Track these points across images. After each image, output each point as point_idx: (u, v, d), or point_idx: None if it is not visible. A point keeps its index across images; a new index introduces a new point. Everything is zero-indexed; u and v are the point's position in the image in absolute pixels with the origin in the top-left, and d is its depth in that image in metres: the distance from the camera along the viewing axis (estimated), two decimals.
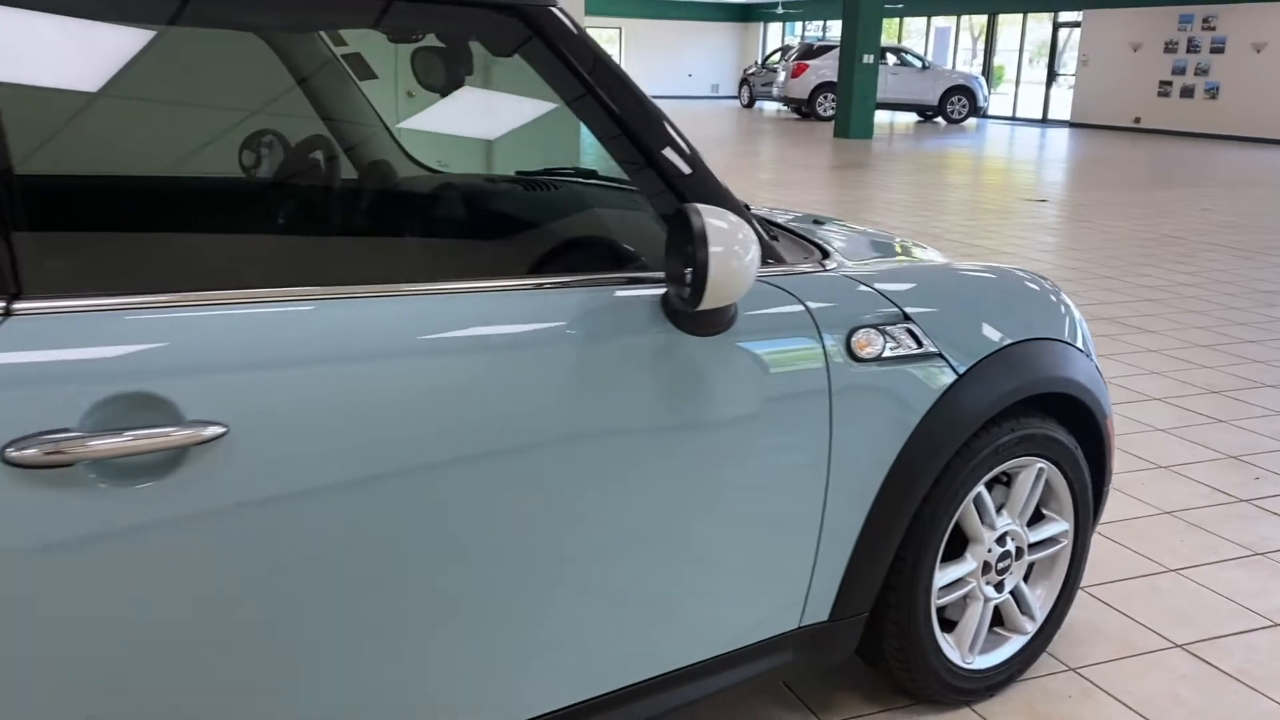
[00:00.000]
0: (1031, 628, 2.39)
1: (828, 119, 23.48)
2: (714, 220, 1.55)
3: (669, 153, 1.73)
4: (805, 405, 1.84)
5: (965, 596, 2.27)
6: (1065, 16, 24.91)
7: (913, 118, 25.40)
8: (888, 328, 1.95)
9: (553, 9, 1.68)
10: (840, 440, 1.90)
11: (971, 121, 24.66)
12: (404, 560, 1.48)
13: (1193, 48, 21.45)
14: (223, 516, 1.32)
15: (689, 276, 1.56)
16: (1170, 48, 21.89)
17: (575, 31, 1.69)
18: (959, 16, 28.65)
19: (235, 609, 1.36)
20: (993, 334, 2.12)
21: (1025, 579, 2.38)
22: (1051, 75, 25.53)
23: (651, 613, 1.78)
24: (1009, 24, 27.43)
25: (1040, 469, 2.27)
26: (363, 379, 1.41)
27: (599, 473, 1.63)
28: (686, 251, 1.56)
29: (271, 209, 2.32)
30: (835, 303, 1.91)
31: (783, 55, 26.39)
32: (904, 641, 2.15)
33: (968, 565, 2.23)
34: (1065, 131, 22.58)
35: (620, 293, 1.67)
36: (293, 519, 1.37)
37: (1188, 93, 21.65)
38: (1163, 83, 22.13)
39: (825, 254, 2.07)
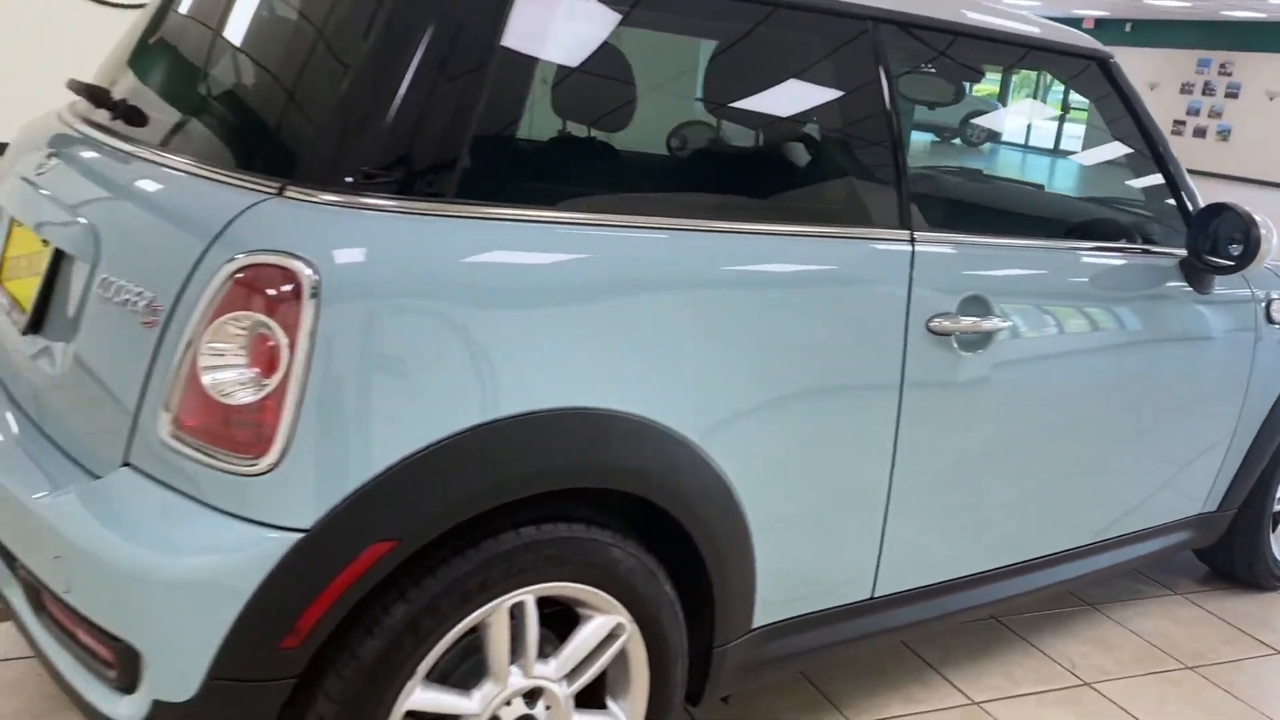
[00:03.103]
0: None
1: None
2: (1252, 210, 2.31)
3: (1176, 166, 2.49)
4: (1243, 345, 2.62)
5: None
6: None
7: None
8: None
9: (1114, 60, 2.43)
10: (1254, 375, 2.67)
11: (986, 146, 25.63)
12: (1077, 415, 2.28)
13: (1208, 91, 22.54)
14: (1008, 370, 2.10)
15: (1234, 250, 2.33)
16: (1187, 89, 22.97)
17: (1125, 77, 2.45)
18: None
19: (1008, 433, 2.16)
20: None
21: None
22: (1066, 106, 26.57)
23: (1148, 480, 2.54)
24: None
25: None
26: (1066, 301, 2.21)
27: (1152, 372, 2.41)
28: (1233, 234, 2.33)
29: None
30: (1260, 277, 2.68)
31: None
32: (1251, 534, 2.93)
33: None
34: None
35: (1147, 261, 2.43)
36: (1041, 377, 2.18)
37: (1200, 133, 22.73)
38: (1176, 122, 23.19)
39: None
